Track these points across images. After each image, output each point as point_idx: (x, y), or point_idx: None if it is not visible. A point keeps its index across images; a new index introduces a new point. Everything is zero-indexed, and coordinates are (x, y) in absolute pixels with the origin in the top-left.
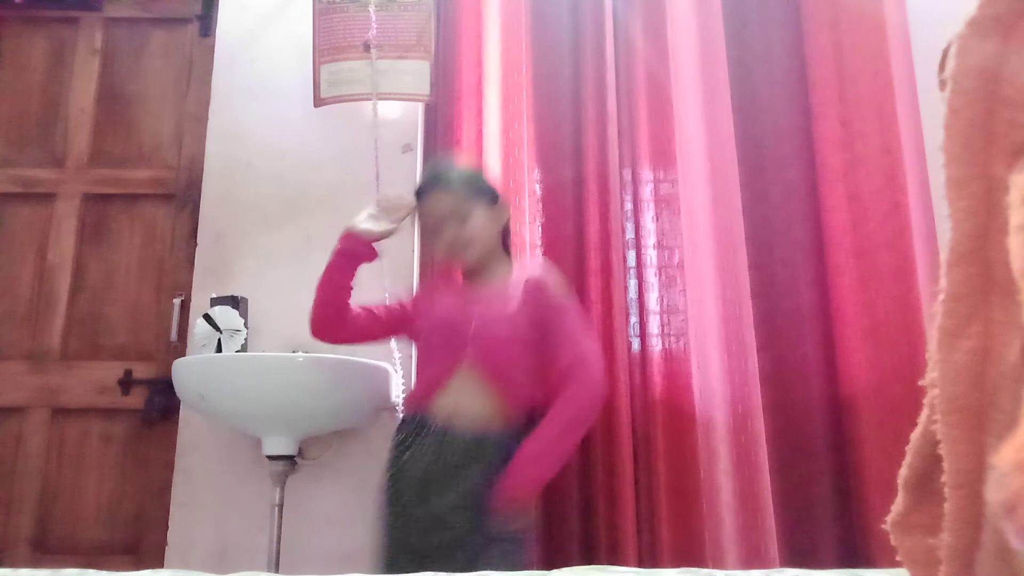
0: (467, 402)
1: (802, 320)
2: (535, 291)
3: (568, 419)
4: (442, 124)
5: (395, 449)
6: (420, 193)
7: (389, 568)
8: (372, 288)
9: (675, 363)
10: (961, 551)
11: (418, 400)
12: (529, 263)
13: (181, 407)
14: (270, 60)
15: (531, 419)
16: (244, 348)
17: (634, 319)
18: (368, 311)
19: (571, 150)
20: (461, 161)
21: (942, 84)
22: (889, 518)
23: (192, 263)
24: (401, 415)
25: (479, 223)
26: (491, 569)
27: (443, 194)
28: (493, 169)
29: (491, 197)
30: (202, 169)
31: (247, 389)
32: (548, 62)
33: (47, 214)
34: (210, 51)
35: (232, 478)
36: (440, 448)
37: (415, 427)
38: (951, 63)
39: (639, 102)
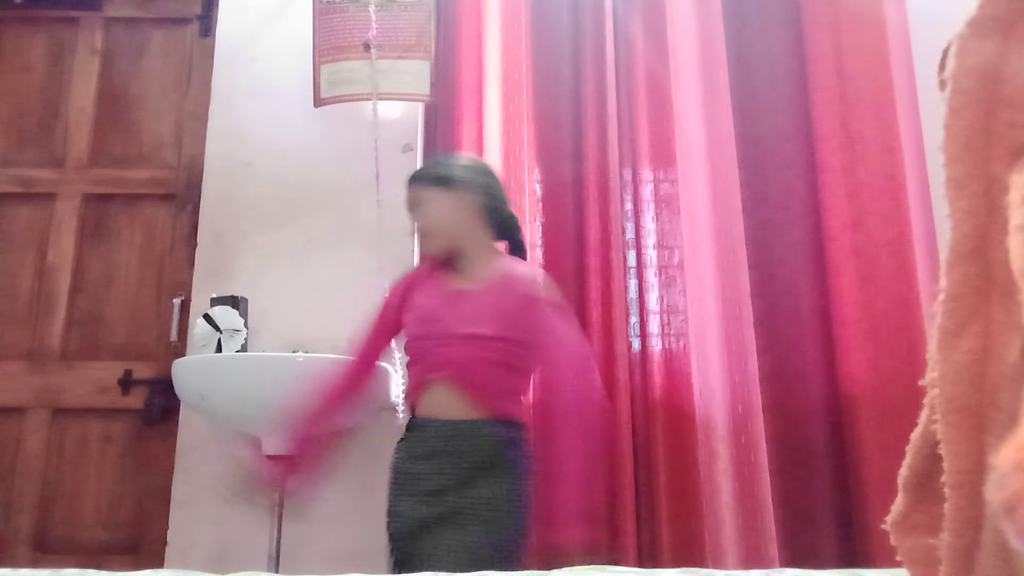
0: (440, 405)
1: (802, 320)
2: (530, 300)
3: (585, 446)
4: (442, 124)
5: (398, 448)
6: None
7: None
8: (372, 287)
9: (675, 363)
10: (961, 551)
11: (409, 398)
12: (524, 266)
13: (181, 407)
14: (270, 60)
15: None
16: (244, 348)
17: (634, 319)
18: (374, 350)
19: (571, 150)
20: (445, 155)
21: (942, 84)
22: (889, 518)
23: (192, 263)
24: (404, 414)
25: (435, 210)
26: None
27: (409, 190)
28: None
29: (448, 182)
30: (202, 169)
31: (247, 389)
32: (548, 62)
33: (47, 214)
34: (210, 51)
35: (232, 478)
36: (419, 442)
37: (411, 425)
38: (951, 63)
39: (639, 102)
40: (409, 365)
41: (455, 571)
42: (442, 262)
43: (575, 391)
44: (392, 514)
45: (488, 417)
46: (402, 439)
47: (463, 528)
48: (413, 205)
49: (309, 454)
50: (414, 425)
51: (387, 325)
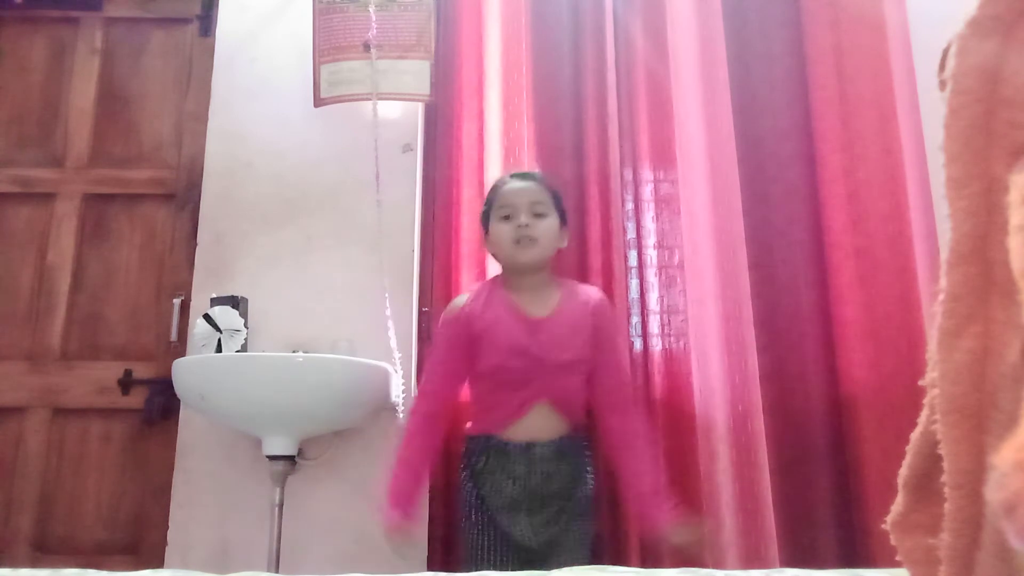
0: (544, 424)
1: (802, 320)
2: (601, 316)
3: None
4: (442, 124)
5: (483, 471)
6: (508, 178)
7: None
8: (372, 287)
9: (675, 363)
10: (961, 551)
11: (496, 424)
12: (584, 287)
13: (181, 407)
14: (270, 60)
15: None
16: (244, 348)
17: (635, 319)
18: (453, 393)
19: (572, 150)
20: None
21: (942, 84)
22: (889, 518)
23: (192, 263)
24: (472, 436)
25: (550, 228)
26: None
27: (531, 184)
28: (494, 169)
29: (563, 216)
30: (202, 169)
31: (247, 389)
32: (548, 62)
33: (47, 214)
34: (210, 51)
35: (232, 478)
36: (530, 464)
37: (497, 449)
38: (951, 63)
39: (639, 102)
40: (495, 392)
41: None
42: (499, 285)
43: (638, 415)
44: (509, 535)
45: (577, 432)
46: (482, 462)
47: (575, 535)
48: (529, 202)
49: (414, 511)
50: (517, 448)
51: (456, 367)
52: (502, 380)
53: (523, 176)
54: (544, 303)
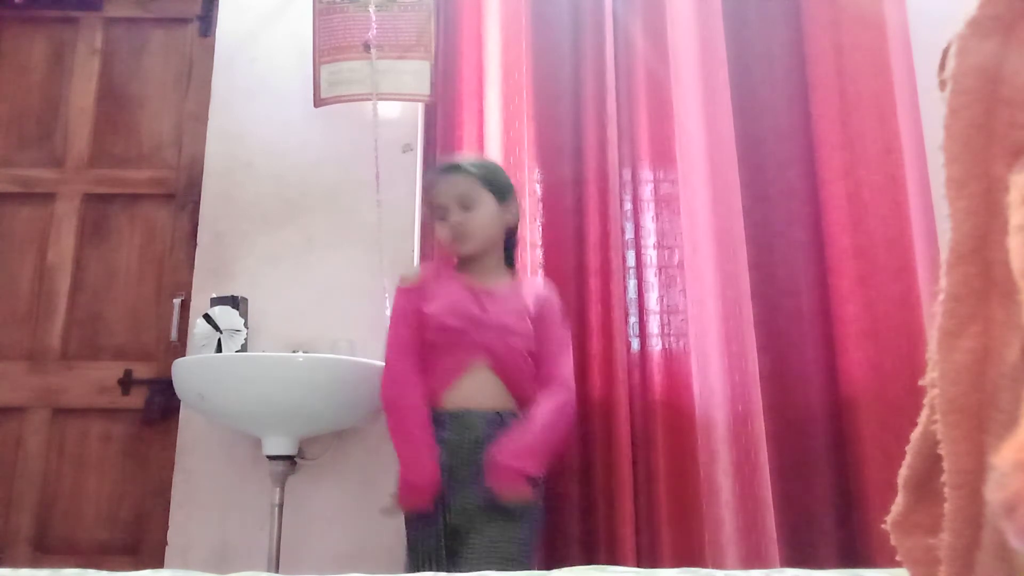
0: (482, 388)
1: (802, 320)
2: (545, 307)
3: (558, 417)
4: (442, 124)
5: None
6: (435, 175)
7: (425, 558)
8: (372, 287)
9: (675, 363)
10: (961, 551)
11: (434, 391)
12: (535, 279)
13: (181, 407)
14: (270, 60)
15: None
16: (244, 348)
17: (634, 319)
18: (415, 361)
19: (571, 150)
20: (479, 156)
21: (942, 84)
22: (889, 518)
23: (192, 263)
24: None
25: (484, 213)
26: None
27: (454, 177)
28: None
29: (501, 192)
30: (202, 169)
31: (247, 389)
32: (548, 62)
33: (47, 214)
34: (210, 51)
35: (232, 478)
36: (461, 432)
37: (433, 419)
38: (951, 63)
39: (639, 102)
40: (435, 355)
41: (504, 565)
42: (453, 264)
43: (564, 400)
44: (443, 509)
45: (521, 408)
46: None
47: (508, 521)
48: (457, 197)
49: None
50: (450, 416)
51: (416, 331)
52: (443, 340)
53: (447, 169)
54: (492, 282)
